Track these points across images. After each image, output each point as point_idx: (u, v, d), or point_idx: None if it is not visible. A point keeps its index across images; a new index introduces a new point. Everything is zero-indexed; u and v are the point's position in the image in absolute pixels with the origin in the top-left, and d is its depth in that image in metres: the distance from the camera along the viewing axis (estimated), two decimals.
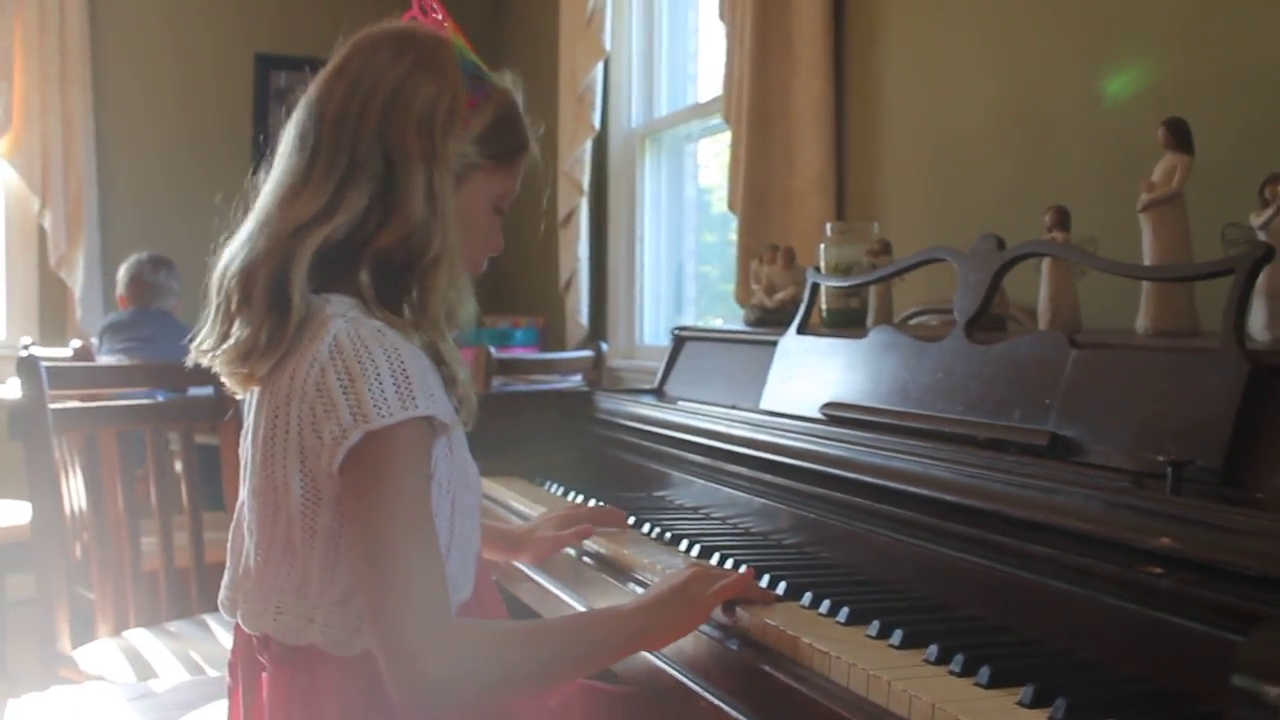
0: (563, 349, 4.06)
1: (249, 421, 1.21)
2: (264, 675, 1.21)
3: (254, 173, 1.23)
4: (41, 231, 4.60)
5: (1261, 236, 1.23)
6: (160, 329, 3.68)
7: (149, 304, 3.89)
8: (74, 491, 2.39)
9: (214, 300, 1.18)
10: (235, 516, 1.24)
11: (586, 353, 3.34)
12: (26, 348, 3.42)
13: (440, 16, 1.27)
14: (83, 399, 2.52)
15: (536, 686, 1.19)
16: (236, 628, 1.24)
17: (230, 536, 1.25)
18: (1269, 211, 1.22)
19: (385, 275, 1.17)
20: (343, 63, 1.20)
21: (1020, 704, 0.92)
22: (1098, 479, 1.11)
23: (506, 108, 1.25)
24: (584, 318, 4.11)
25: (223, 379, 1.21)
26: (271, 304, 1.14)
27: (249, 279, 1.15)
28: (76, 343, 3.38)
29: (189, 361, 1.21)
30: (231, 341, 1.17)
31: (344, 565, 1.14)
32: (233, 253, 1.18)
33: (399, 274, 1.17)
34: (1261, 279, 1.23)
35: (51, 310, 4.68)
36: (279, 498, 1.14)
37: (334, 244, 1.15)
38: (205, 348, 1.19)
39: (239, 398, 1.25)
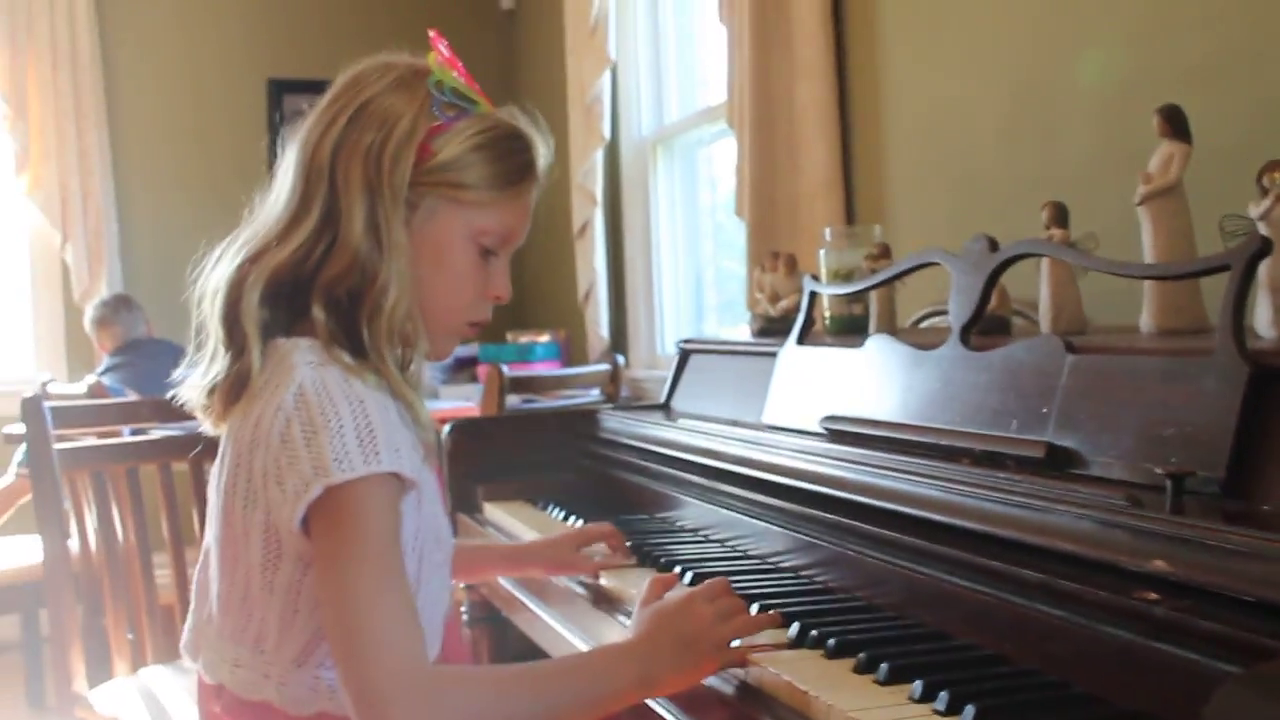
0: (585, 362, 4.00)
1: (216, 464, 1.18)
2: None
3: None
4: (65, 266, 4.61)
5: (1261, 228, 1.16)
6: (149, 356, 3.69)
7: (123, 340, 3.91)
8: (89, 528, 2.37)
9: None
10: (201, 558, 1.20)
11: (603, 366, 3.29)
12: (44, 385, 3.43)
13: (444, 46, 1.20)
14: (100, 435, 2.52)
15: None
16: (199, 674, 1.21)
17: (196, 577, 1.21)
18: (1267, 201, 1.15)
19: (339, 311, 1.12)
20: (327, 94, 1.18)
21: None
22: (1091, 496, 1.04)
23: (492, 138, 1.16)
24: (604, 330, 4.06)
25: (196, 415, 1.18)
26: (228, 340, 1.13)
27: (210, 314, 1.14)
28: (91, 378, 3.37)
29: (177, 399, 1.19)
30: (198, 378, 1.15)
31: (300, 624, 1.10)
32: (201, 287, 1.17)
33: (350, 309, 1.12)
34: (1264, 273, 1.16)
35: (78, 345, 4.68)
36: (238, 549, 1.11)
37: (285, 277, 1.12)
38: (181, 383, 1.18)
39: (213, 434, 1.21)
